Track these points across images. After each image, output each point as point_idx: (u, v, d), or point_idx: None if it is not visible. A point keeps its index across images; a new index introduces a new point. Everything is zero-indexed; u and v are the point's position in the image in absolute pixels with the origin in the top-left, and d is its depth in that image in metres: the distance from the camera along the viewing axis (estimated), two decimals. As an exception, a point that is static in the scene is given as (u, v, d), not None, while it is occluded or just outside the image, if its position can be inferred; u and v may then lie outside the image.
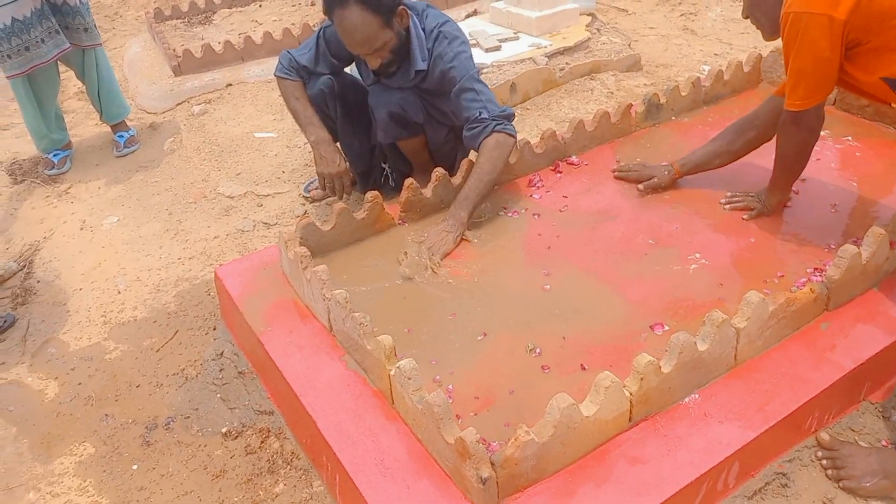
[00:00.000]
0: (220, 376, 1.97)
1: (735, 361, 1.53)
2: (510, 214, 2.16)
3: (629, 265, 1.90)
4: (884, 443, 1.52)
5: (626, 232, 2.03)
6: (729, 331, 1.47)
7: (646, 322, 1.69)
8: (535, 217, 2.14)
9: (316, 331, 1.79)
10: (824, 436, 1.51)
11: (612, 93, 3.37)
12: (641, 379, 1.38)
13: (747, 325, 1.49)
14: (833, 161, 2.25)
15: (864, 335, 1.60)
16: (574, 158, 2.38)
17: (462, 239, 2.03)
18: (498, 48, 3.47)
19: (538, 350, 1.65)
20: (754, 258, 1.88)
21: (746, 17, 1.81)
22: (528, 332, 1.70)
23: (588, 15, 3.87)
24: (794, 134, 1.78)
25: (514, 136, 2.12)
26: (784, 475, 1.47)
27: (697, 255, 1.90)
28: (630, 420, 1.42)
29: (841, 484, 1.43)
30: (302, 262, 1.80)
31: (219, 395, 1.93)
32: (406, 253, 1.96)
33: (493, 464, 1.27)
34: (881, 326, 1.62)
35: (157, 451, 1.80)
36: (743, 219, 2.02)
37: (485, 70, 3.31)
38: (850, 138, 2.35)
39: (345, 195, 2.37)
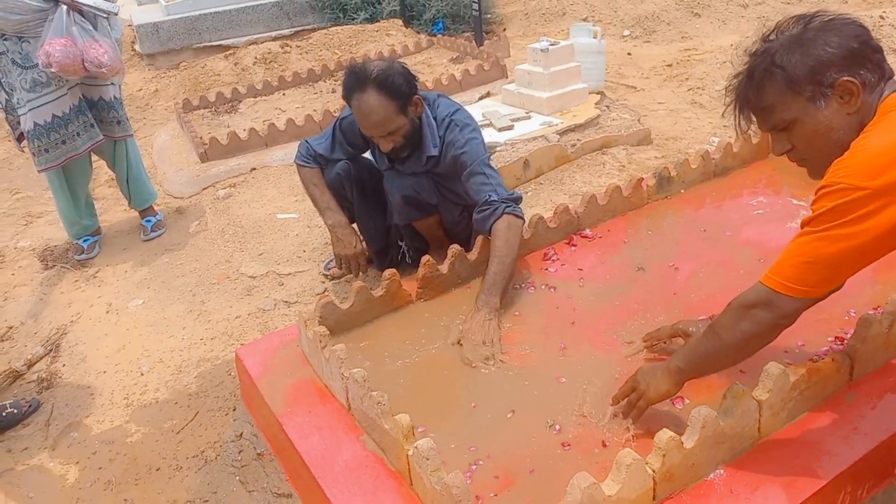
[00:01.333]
0: (239, 458, 1.97)
1: (759, 434, 1.50)
2: (527, 289, 2.18)
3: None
4: None
5: (643, 304, 2.03)
6: (751, 403, 1.45)
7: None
8: (552, 290, 2.16)
9: (335, 410, 1.79)
10: None
11: (623, 166, 3.44)
12: (664, 455, 1.35)
13: (769, 397, 1.47)
14: (847, 228, 2.25)
15: (893, 405, 1.56)
16: (588, 231, 2.42)
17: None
18: (511, 127, 3.59)
19: (558, 427, 1.63)
20: (774, 328, 1.86)
21: (782, 154, 1.42)
22: (550, 411, 1.68)
23: (597, 93, 4.00)
24: (757, 320, 1.35)
25: (523, 218, 2.17)
26: (820, 556, 1.41)
27: (716, 326, 1.89)
28: (654, 499, 1.38)
29: None
30: (321, 342, 1.82)
31: (237, 478, 1.92)
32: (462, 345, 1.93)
33: (514, 547, 1.24)
34: (909, 394, 1.58)
35: (175, 538, 1.78)
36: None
37: (498, 148, 3.42)
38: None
39: (361, 273, 2.44)
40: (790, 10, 5.60)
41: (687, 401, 1.65)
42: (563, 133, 3.52)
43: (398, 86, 2.14)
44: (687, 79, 4.71)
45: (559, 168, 3.44)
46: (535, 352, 1.91)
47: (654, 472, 1.35)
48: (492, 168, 2.22)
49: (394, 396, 1.66)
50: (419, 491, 1.47)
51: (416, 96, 2.18)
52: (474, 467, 1.55)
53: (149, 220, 3.44)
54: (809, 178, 1.40)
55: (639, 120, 3.78)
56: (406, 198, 2.33)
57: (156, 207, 3.55)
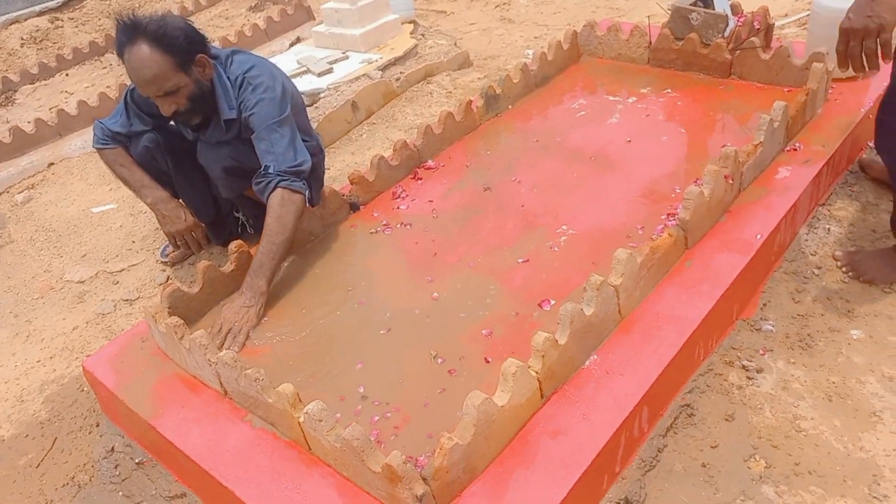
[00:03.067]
0: (117, 473, 1.81)
1: (621, 316, 1.62)
2: (384, 231, 2.16)
3: (505, 254, 1.95)
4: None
5: (496, 223, 2.09)
6: (608, 290, 1.55)
7: (533, 303, 1.75)
8: (408, 227, 2.15)
9: (210, 399, 1.68)
10: (838, 253, 1.89)
11: (450, 92, 3.46)
12: (543, 356, 1.42)
13: (623, 281, 1.58)
14: (659, 114, 2.45)
15: (724, 262, 1.74)
16: (430, 162, 2.42)
17: (263, 310, 1.90)
18: (330, 70, 3.46)
19: (441, 359, 1.65)
20: (616, 218, 2.00)
21: None
22: (431, 343, 1.70)
23: (410, 22, 3.95)
24: None
25: (302, 192, 2.00)
26: (688, 406, 1.58)
27: (565, 227, 1.99)
28: (542, 397, 1.46)
29: (861, 279, 1.82)
30: (177, 333, 1.69)
31: (121, 493, 1.76)
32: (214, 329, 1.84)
33: (424, 479, 1.26)
34: (736, 250, 1.77)
35: (64, 577, 1.62)
36: None
37: (322, 95, 3.29)
38: (669, 90, 2.56)
39: (202, 249, 2.28)
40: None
41: (553, 301, 1.74)
42: (384, 68, 3.45)
43: (174, 38, 1.92)
44: (491, -3, 4.78)
45: (388, 105, 3.39)
46: (405, 290, 1.91)
47: (537, 373, 1.42)
48: (278, 132, 2.02)
49: (270, 369, 1.60)
50: (319, 454, 1.44)
51: (201, 55, 1.98)
52: (377, 418, 1.54)
53: (-64, 245, 2.96)
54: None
55: (455, 44, 3.79)
56: (227, 169, 2.17)
57: (-59, 229, 3.06)
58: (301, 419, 1.41)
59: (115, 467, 1.83)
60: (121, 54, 1.94)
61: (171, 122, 2.25)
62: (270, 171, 1.98)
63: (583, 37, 2.91)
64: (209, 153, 2.21)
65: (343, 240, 2.15)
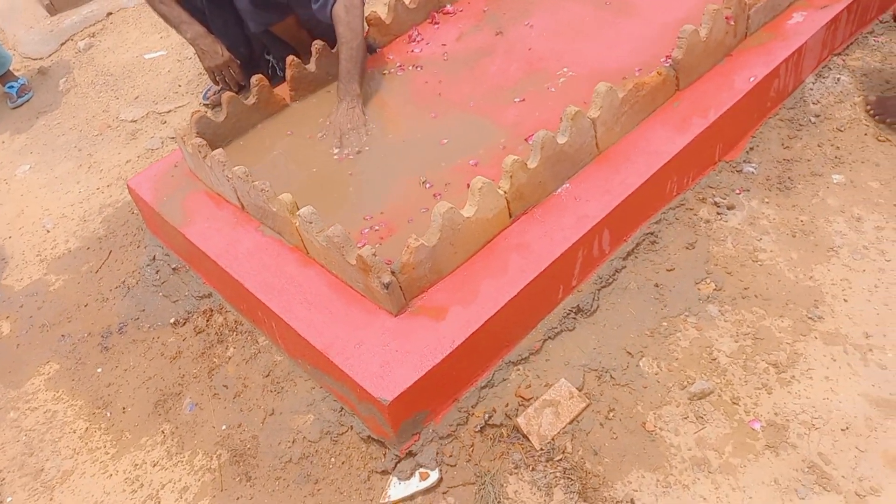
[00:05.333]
0: (158, 277, 2.11)
1: (598, 150, 1.71)
2: (396, 72, 2.26)
3: (505, 94, 2.03)
4: None
5: (501, 65, 2.15)
6: (584, 122, 1.63)
7: (521, 137, 1.85)
8: (419, 69, 2.24)
9: (231, 212, 1.91)
10: (871, 97, 1.90)
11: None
12: (511, 176, 1.55)
13: (601, 114, 1.66)
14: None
15: (713, 101, 1.77)
16: (449, 7, 2.46)
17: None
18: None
19: (430, 183, 1.81)
20: (615, 60, 2.02)
21: None
22: (423, 171, 1.85)
23: None
24: None
25: None
26: (652, 234, 1.69)
27: (565, 70, 2.04)
28: (511, 216, 1.60)
29: (887, 122, 1.83)
30: (201, 152, 1.90)
31: (161, 294, 2.07)
32: (332, 139, 2.02)
33: (393, 273, 1.45)
34: (728, 91, 1.79)
35: (116, 353, 1.96)
36: None
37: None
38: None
39: (239, 84, 2.43)
40: None
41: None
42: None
43: None
44: None
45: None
46: (408, 124, 2.04)
47: (505, 192, 1.56)
48: None
49: (280, 184, 1.79)
50: (314, 254, 1.66)
51: None
52: (366, 230, 1.73)
53: (11, 87, 3.26)
54: None
55: None
56: (254, 0, 2.28)
57: (16, 73, 3.34)
58: (297, 223, 1.61)
59: (157, 272, 2.13)
60: None
61: None
62: None
63: None
64: None
65: (358, 80, 2.27)
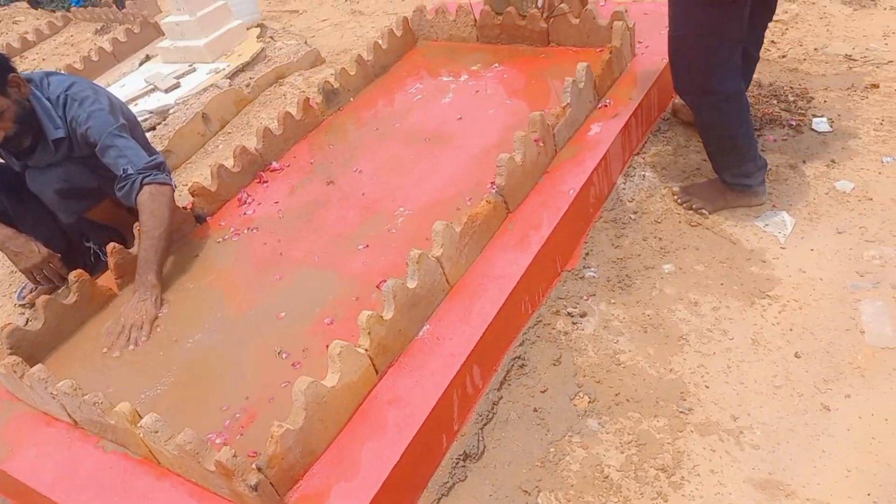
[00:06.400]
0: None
1: (449, 285, 1.72)
2: (232, 238, 2.18)
3: (347, 242, 2.02)
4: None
5: (338, 213, 2.15)
6: (430, 262, 1.64)
7: (372, 285, 1.82)
8: (255, 231, 2.18)
9: (63, 430, 1.68)
10: (675, 188, 2.09)
11: (303, 91, 3.47)
12: (369, 333, 1.50)
13: (444, 251, 1.68)
14: (488, 88, 2.56)
15: (543, 217, 1.87)
16: (275, 164, 2.45)
17: (160, 300, 1.97)
18: (177, 85, 3.41)
19: (286, 353, 1.71)
20: (447, 193, 2.10)
21: None
22: (276, 340, 1.75)
23: (257, 27, 3.93)
24: None
25: (169, 183, 2.08)
26: (519, 357, 1.70)
27: (402, 209, 2.08)
28: (378, 373, 1.54)
29: (693, 208, 2.01)
30: (17, 372, 1.67)
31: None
32: (111, 334, 1.90)
33: (259, 469, 1.31)
34: (554, 205, 1.90)
35: None
36: None
37: (172, 110, 3.24)
38: (497, 64, 2.68)
39: (63, 278, 2.22)
40: None
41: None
42: (233, 76, 3.44)
43: None
44: (343, -10, 4.81)
45: (242, 112, 3.38)
46: (255, 291, 1.94)
47: (366, 350, 1.50)
48: (124, 136, 2.07)
49: (120, 388, 1.61)
50: (167, 465, 1.47)
51: (13, 75, 1.97)
52: (227, 422, 1.58)
53: None
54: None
55: (305, 42, 3.81)
56: (60, 191, 2.13)
57: None
58: (140, 434, 1.43)
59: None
60: None
61: None
62: (130, 172, 2.01)
63: (415, 22, 2.99)
64: (39, 178, 2.16)
65: (189, 252, 2.16)
